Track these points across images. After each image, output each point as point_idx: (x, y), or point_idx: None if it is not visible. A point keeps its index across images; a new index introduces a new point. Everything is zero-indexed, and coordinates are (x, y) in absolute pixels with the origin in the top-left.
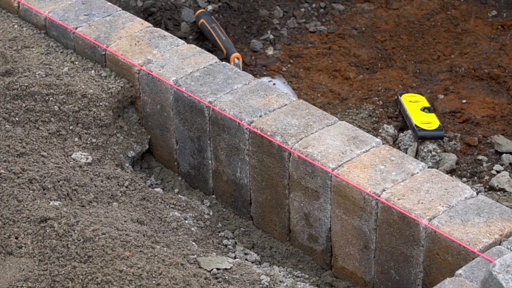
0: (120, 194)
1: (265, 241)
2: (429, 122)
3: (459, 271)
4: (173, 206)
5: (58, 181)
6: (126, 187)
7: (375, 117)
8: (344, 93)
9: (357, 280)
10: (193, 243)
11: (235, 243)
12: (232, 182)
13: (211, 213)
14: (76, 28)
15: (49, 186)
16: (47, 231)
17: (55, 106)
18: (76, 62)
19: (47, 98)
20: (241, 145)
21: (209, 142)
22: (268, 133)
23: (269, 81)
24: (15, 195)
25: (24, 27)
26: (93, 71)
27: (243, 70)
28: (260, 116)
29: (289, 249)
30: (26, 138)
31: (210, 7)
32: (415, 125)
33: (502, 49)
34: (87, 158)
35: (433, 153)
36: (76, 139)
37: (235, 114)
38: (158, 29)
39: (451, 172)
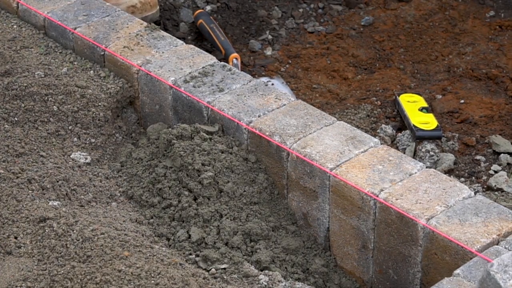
0: (119, 194)
1: None
2: (427, 122)
3: (457, 271)
4: None
5: (57, 181)
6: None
7: (373, 117)
8: (343, 93)
9: (356, 279)
10: None
11: None
12: None
13: None
14: (75, 29)
15: (48, 186)
16: (46, 231)
17: (54, 106)
18: (75, 62)
19: (46, 98)
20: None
21: None
22: (267, 133)
23: (267, 81)
24: (14, 195)
25: (23, 28)
26: (92, 71)
27: (241, 70)
28: (259, 116)
29: None
30: (25, 138)
31: (208, 8)
32: (413, 125)
33: (500, 49)
34: (86, 158)
35: (431, 153)
36: (75, 139)
37: (234, 114)
38: (157, 29)
39: (449, 172)
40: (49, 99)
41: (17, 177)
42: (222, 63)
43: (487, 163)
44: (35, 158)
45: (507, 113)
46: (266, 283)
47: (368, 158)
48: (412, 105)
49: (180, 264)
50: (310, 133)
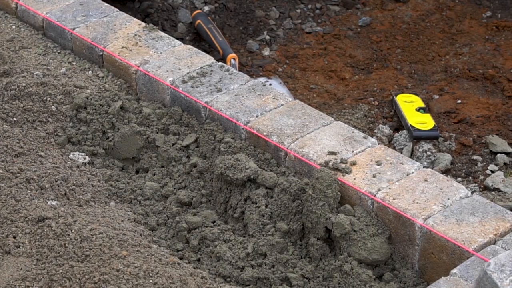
0: (117, 194)
1: None
2: (424, 122)
3: (454, 270)
4: None
5: (56, 181)
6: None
7: (370, 117)
8: (340, 93)
9: None
10: None
11: None
12: None
13: None
14: (74, 29)
15: (46, 186)
16: (45, 230)
17: (53, 107)
18: (74, 63)
19: (44, 98)
20: None
21: None
22: (264, 133)
23: (265, 82)
24: (13, 195)
25: (22, 28)
26: (90, 72)
27: (239, 70)
28: (257, 116)
29: None
30: (24, 138)
31: (206, 8)
32: (410, 125)
33: (497, 49)
34: (84, 158)
35: (428, 153)
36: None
37: (232, 114)
38: (155, 29)
39: (446, 172)
40: (48, 99)
41: (16, 177)
42: (220, 63)
43: (484, 163)
44: (34, 158)
45: (504, 113)
46: None
47: (366, 158)
48: (409, 105)
49: (178, 264)
50: (307, 133)
